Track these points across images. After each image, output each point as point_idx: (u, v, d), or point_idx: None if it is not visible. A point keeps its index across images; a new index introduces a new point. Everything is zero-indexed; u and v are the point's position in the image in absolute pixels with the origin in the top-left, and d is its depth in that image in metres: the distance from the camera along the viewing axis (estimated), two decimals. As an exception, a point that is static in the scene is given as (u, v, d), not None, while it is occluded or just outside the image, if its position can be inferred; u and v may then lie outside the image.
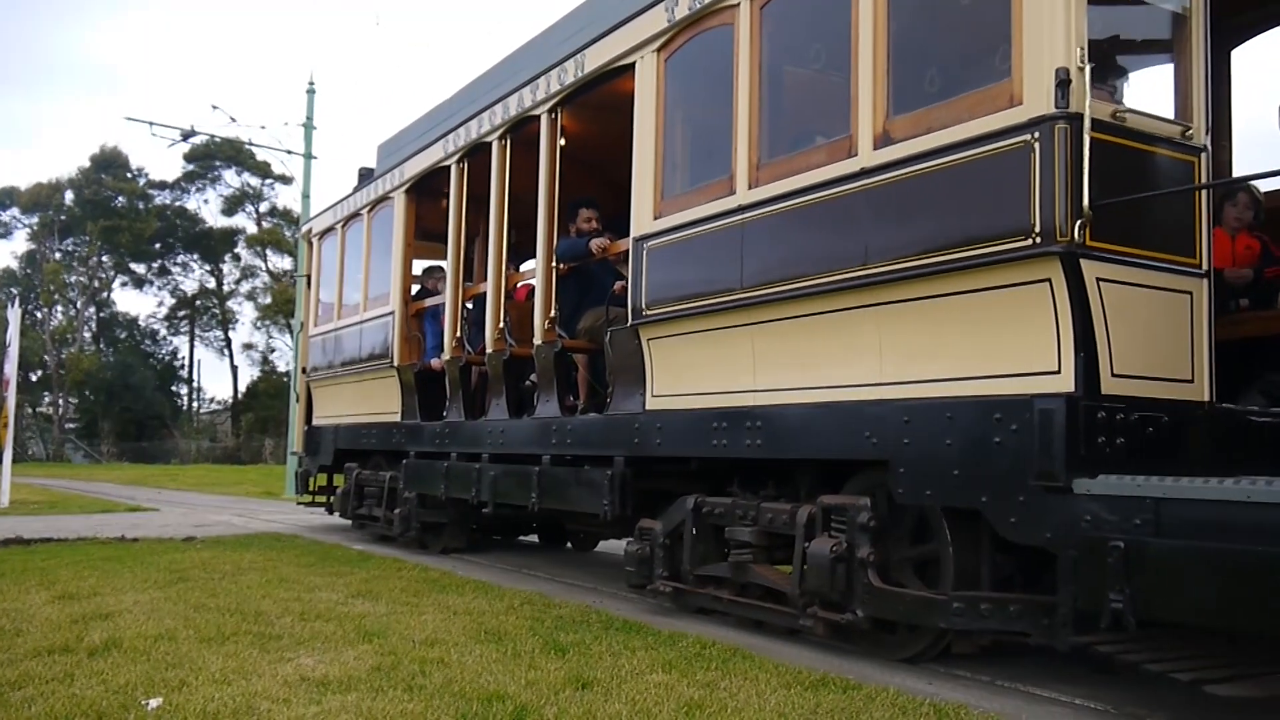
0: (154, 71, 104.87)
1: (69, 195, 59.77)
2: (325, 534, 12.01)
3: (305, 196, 25.46)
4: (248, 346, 60.07)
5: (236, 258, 61.13)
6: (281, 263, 58.56)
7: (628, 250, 6.98)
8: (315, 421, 12.90)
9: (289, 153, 25.87)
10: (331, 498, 12.61)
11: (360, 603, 6.75)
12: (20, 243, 67.52)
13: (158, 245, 59.94)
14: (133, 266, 60.87)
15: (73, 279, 59.95)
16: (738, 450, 5.90)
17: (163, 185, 60.37)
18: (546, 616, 6.31)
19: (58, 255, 59.64)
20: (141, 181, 59.98)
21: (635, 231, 6.81)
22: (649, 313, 6.61)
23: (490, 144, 8.76)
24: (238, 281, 61.44)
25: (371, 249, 11.33)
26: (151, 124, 25.14)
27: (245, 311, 62.89)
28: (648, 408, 6.70)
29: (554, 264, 7.87)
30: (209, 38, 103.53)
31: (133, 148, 73.09)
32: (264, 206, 60.49)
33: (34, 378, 57.85)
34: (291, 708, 4.09)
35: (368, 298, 11.23)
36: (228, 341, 61.19)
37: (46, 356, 56.94)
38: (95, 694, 4.23)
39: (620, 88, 7.31)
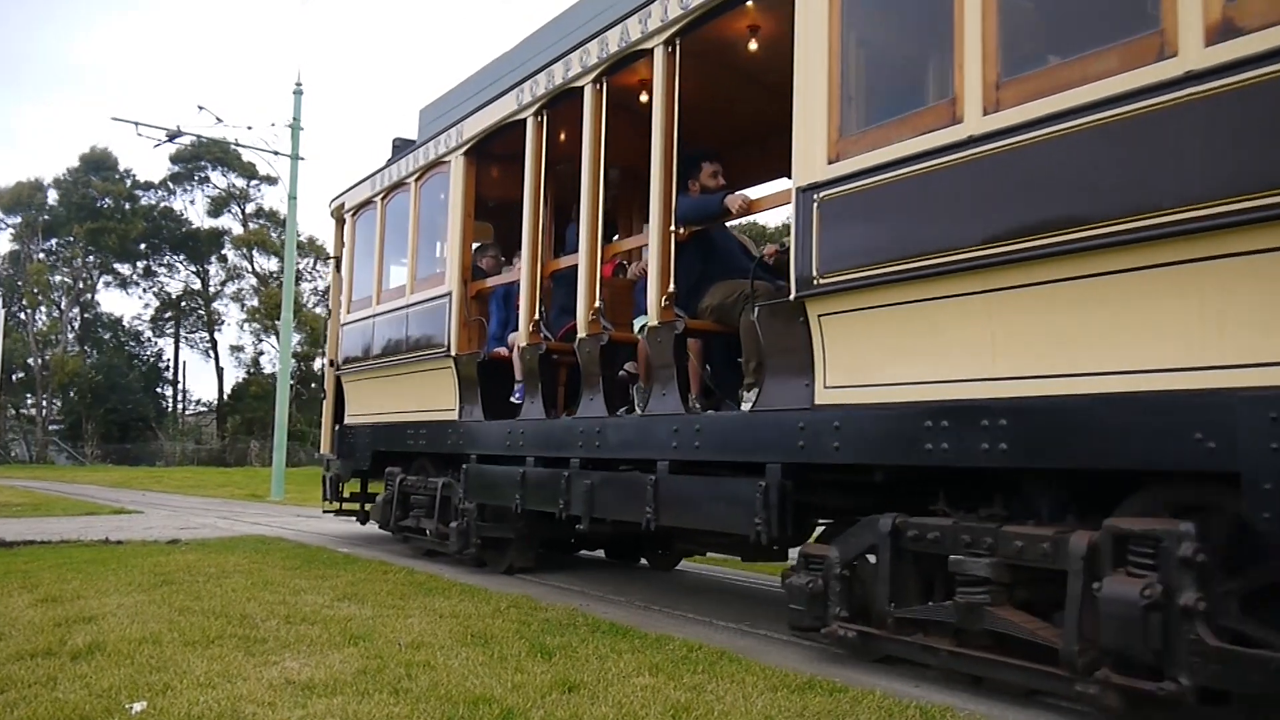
0: (140, 73, 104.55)
1: (52, 195, 59.46)
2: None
3: (292, 198, 25.39)
4: (235, 349, 59.82)
5: (223, 259, 60.85)
6: (268, 264, 58.36)
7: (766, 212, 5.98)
8: (347, 420, 11.47)
9: (275, 154, 25.77)
10: (368, 505, 11.37)
11: (346, 605, 6.72)
12: (3, 243, 67.13)
13: (143, 246, 59.66)
14: (118, 267, 60.58)
15: (57, 279, 59.62)
16: (967, 457, 4.51)
17: (149, 186, 60.07)
18: (533, 619, 6.30)
19: (41, 255, 59.30)
20: (128, 182, 59.71)
21: (799, 180, 5.44)
22: (823, 282, 5.22)
23: (582, 89, 7.45)
24: (224, 283, 61.17)
25: (420, 223, 9.99)
26: (138, 124, 24.93)
27: (231, 313, 62.81)
28: (818, 402, 5.34)
29: (673, 229, 6.59)
30: (196, 39, 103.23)
31: (119, 149, 72.87)
32: (250, 208, 60.22)
33: (17, 379, 57.50)
34: (276, 711, 4.08)
35: (415, 279, 9.88)
36: (213, 343, 60.91)
37: (30, 358, 56.62)
38: (78, 698, 4.21)
39: (734, 28, 6.65)
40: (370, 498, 11.45)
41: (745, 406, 5.99)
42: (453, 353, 9.01)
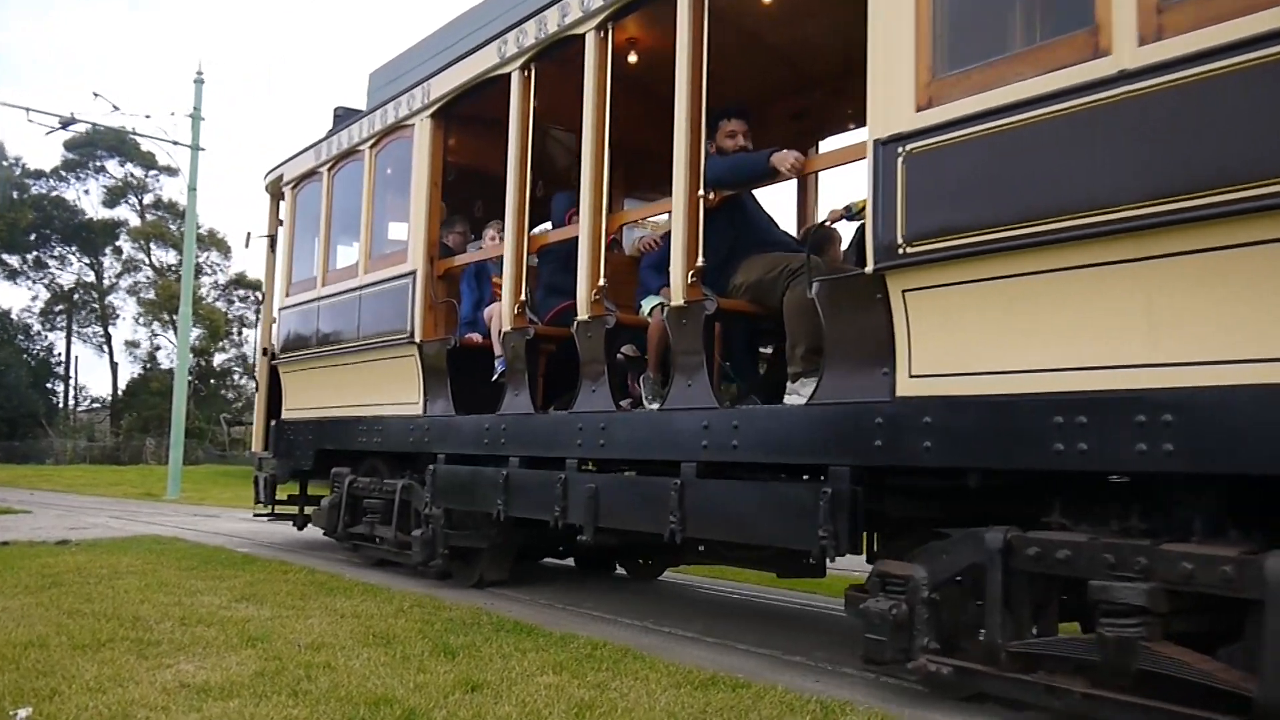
0: (33, 58, 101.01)
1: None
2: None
3: (192, 189, 24.84)
4: (130, 344, 58.13)
5: (118, 251, 59.11)
6: (166, 257, 56.86)
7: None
8: (285, 415, 10.37)
9: (175, 144, 25.17)
10: (309, 509, 10.48)
11: (244, 607, 6.59)
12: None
13: (33, 236, 57.67)
14: (6, 258, 58.46)
15: (-60, 270, 57.35)
16: (1118, 459, 3.74)
17: (39, 175, 58.10)
18: (436, 619, 6.25)
19: (-78, 245, 56.98)
20: (17, 171, 57.66)
21: (879, 131, 4.61)
22: (912, 252, 4.40)
23: (583, 36, 6.54)
24: (119, 276, 59.43)
25: (376, 194, 9.04)
26: (29, 110, 24.16)
27: (127, 307, 60.86)
28: (900, 394, 4.49)
29: (701, 194, 5.67)
30: (96, 23, 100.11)
31: (7, 135, 70.32)
32: (148, 199, 58.61)
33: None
34: (170, 715, 3.98)
35: (369, 257, 8.93)
36: (108, 338, 59.14)
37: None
38: (-41, 704, 4.05)
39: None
40: (312, 500, 10.59)
41: (792, 400, 5.25)
42: (417, 339, 8.06)
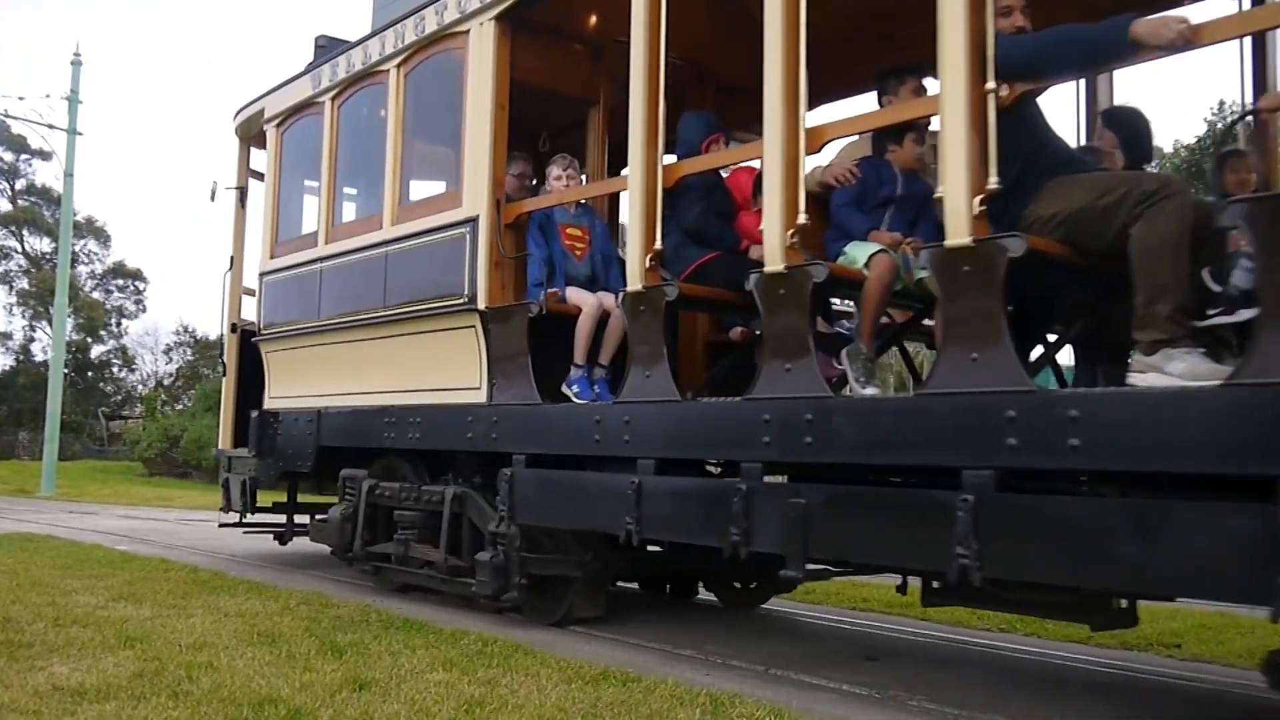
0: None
1: None
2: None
3: (68, 175, 24.00)
4: (2, 335, 55.82)
5: (-12, 238, 56.66)
6: (40, 245, 54.70)
7: None
8: (271, 404, 8.57)
9: (51, 127, 24.28)
10: (314, 520, 8.69)
11: (122, 606, 6.40)
12: None
13: (-107, 221, 54.94)
14: None
15: None
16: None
17: (-101, 156, 55.34)
18: (324, 617, 6.16)
19: None
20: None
21: None
22: None
23: None
24: (-11, 264, 56.96)
25: (407, 126, 7.28)
26: (-109, 90, 23.00)
27: (-2, 296, 58.45)
28: None
29: (992, 87, 4.06)
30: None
31: None
32: (20, 184, 56.32)
33: None
34: None
35: (399, 205, 7.15)
36: (-23, 328, 56.69)
37: None
38: None
39: None
40: (303, 509, 9.15)
41: (1150, 379, 3.80)
42: (480, 304, 6.30)
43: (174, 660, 4.83)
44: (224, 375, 9.69)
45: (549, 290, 6.16)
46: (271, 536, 9.42)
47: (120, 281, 54.59)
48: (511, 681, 4.57)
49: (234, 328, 9.52)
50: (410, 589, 7.38)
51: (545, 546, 6.23)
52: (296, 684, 4.42)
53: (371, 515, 7.42)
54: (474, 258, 6.39)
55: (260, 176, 9.40)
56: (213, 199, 9.53)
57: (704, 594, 7.88)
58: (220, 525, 9.62)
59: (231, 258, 9.60)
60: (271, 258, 8.70)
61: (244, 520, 9.22)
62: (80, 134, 24.01)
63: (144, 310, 54.20)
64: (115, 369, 54.41)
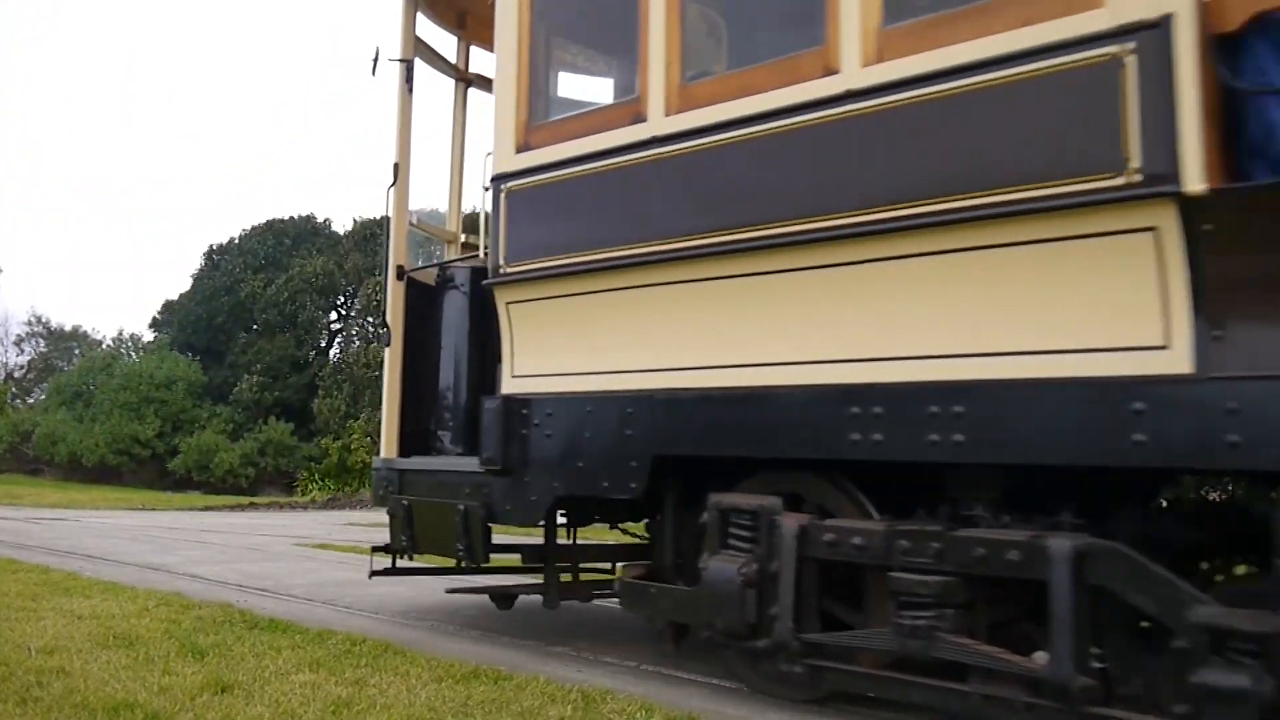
0: None
1: None
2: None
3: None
4: None
5: None
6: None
7: None
8: (523, 385, 5.48)
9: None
10: (624, 579, 5.19)
11: (-35, 610, 6.11)
12: None
13: None
14: None
15: None
16: None
17: None
18: (184, 618, 5.99)
19: None
20: None
21: None
22: None
23: None
24: None
25: None
26: None
27: None
28: None
29: None
30: None
31: None
32: None
33: None
34: (-125, 731, 3.65)
35: (879, 24, 4.16)
36: None
37: None
38: None
39: None
40: (564, 555, 6.14)
41: None
42: (1186, 187, 3.42)
43: (22, 665, 4.65)
44: (386, 345, 6.59)
45: None
46: (489, 597, 6.43)
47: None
48: (380, 681, 4.51)
49: (400, 273, 6.58)
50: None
51: None
52: (154, 688, 4.29)
53: (804, 577, 4.40)
54: (1159, 99, 3.49)
55: (429, 52, 7.00)
56: (374, 71, 6.77)
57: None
58: (372, 574, 6.41)
59: (396, 166, 6.58)
60: (524, 150, 5.52)
61: (409, 564, 6.63)
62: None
63: (-7, 299, 51.91)
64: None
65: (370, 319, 36.66)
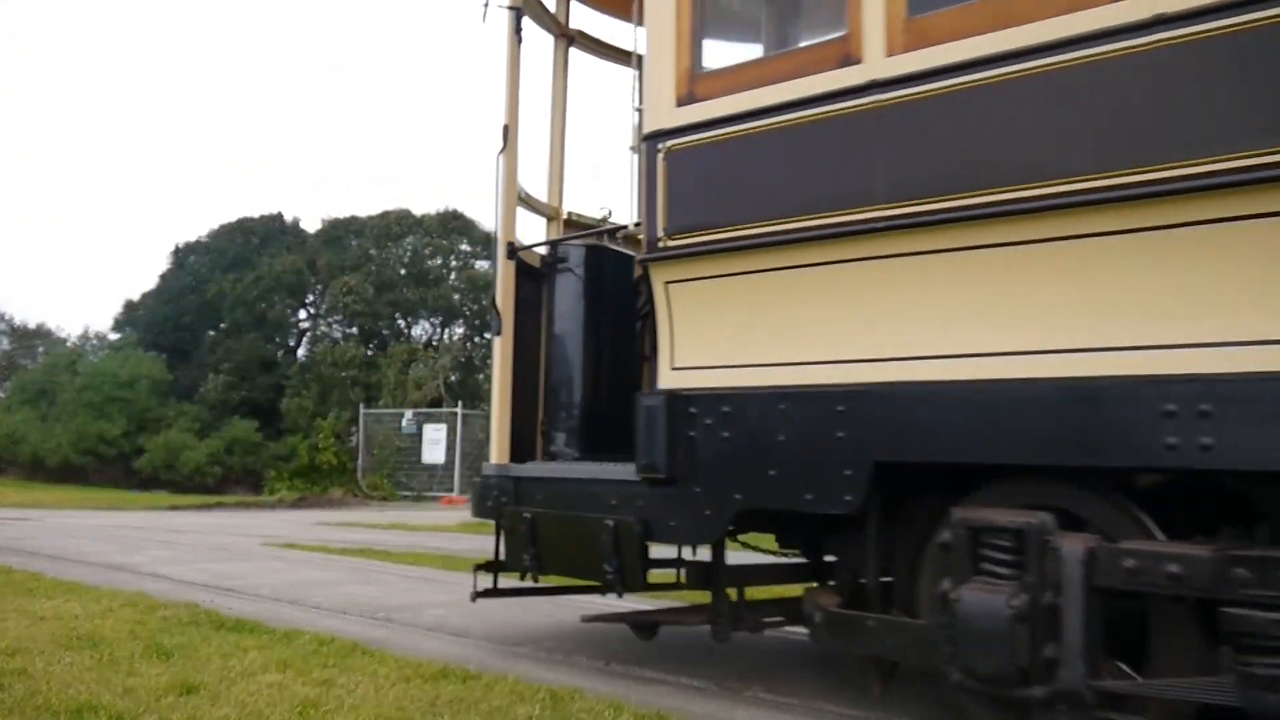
0: None
1: None
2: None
3: None
4: None
5: None
6: None
7: None
8: (687, 378, 4.64)
9: None
10: (825, 610, 4.29)
11: (-76, 611, 6.03)
12: None
13: None
14: None
15: None
16: None
17: None
18: (150, 619, 5.94)
19: None
20: None
21: None
22: None
23: None
24: None
25: None
26: None
27: None
28: None
29: None
30: None
31: None
32: None
33: None
34: None
35: None
36: None
37: None
38: None
39: None
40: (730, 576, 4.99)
41: None
42: None
43: (-17, 667, 4.58)
44: (496, 333, 5.71)
45: None
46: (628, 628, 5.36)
47: None
48: (348, 681, 4.49)
49: (511, 251, 5.75)
50: None
51: None
52: (119, 689, 4.26)
53: (1092, 612, 3.52)
54: None
55: (533, 3, 6.14)
56: (484, 18, 6.00)
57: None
58: (476, 596, 5.49)
59: (505, 129, 5.81)
60: (688, 102, 4.67)
61: (547, 587, 5.79)
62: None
63: (-45, 296, 51.23)
64: None
65: (336, 319, 36.48)
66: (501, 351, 5.63)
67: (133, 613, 6.13)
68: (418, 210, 37.36)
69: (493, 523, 5.47)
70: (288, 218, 41.90)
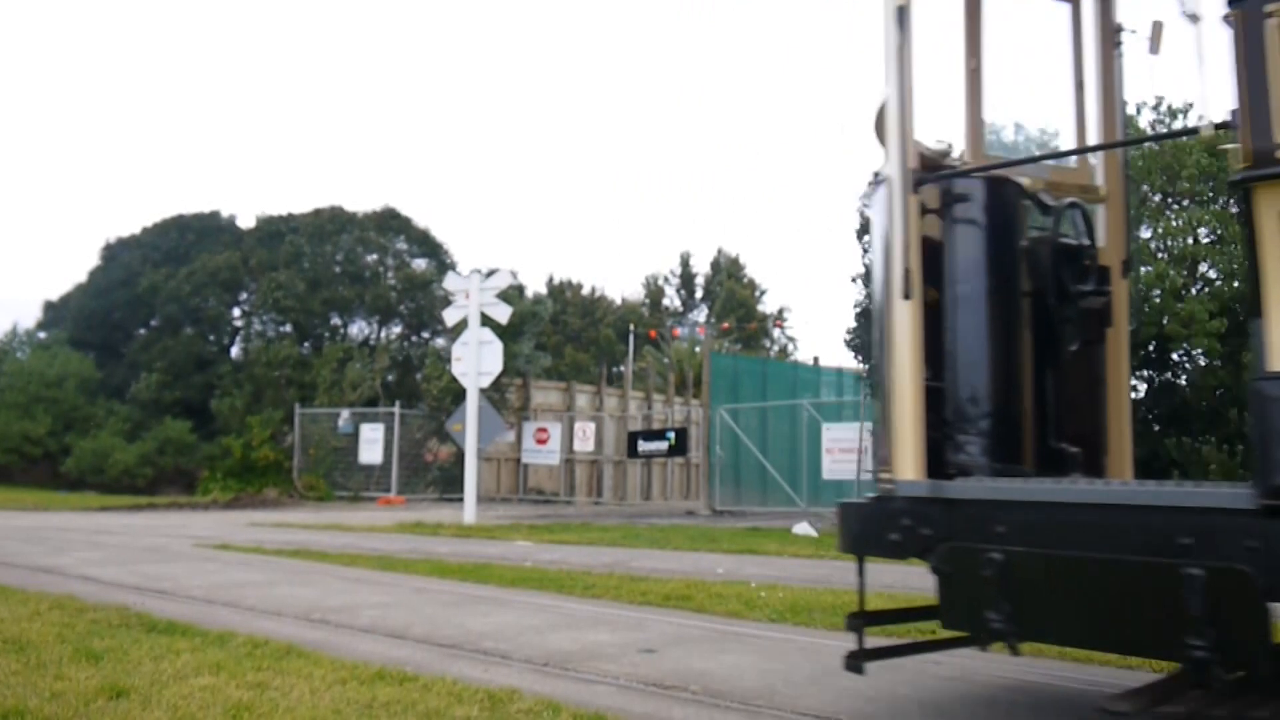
0: None
1: None
2: None
3: None
4: None
5: None
6: None
7: None
8: None
9: None
10: None
11: None
12: None
13: None
14: None
15: None
16: None
17: None
18: (79, 621, 5.84)
19: None
20: None
21: None
22: None
23: None
24: None
25: None
26: None
27: None
28: None
29: None
30: None
31: None
32: None
33: None
34: None
35: None
36: None
37: None
38: None
39: None
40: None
41: None
42: None
43: (-96, 672, 4.47)
44: (903, 295, 3.97)
45: None
46: None
47: None
48: (283, 684, 4.45)
49: (916, 182, 4.06)
50: None
51: None
52: (46, 693, 4.19)
53: None
54: None
55: None
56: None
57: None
58: (851, 658, 4.02)
59: (901, 10, 4.03)
60: None
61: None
62: None
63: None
64: None
65: (269, 316, 35.94)
66: (910, 325, 3.94)
67: (61, 615, 6.01)
68: (350, 208, 36.93)
69: (850, 557, 4.18)
70: (224, 215, 41.26)
